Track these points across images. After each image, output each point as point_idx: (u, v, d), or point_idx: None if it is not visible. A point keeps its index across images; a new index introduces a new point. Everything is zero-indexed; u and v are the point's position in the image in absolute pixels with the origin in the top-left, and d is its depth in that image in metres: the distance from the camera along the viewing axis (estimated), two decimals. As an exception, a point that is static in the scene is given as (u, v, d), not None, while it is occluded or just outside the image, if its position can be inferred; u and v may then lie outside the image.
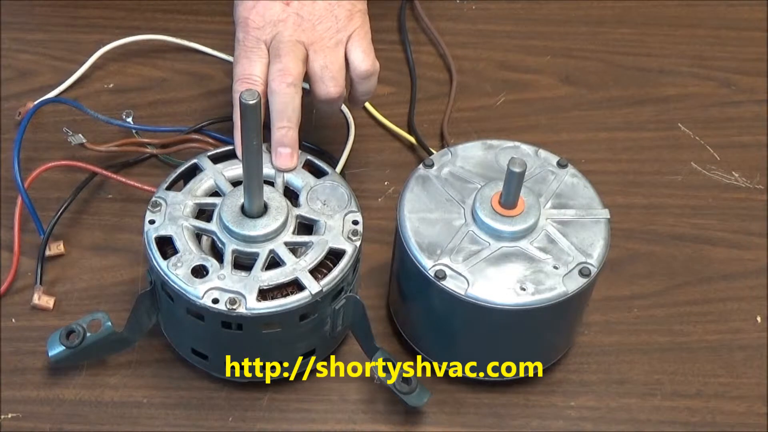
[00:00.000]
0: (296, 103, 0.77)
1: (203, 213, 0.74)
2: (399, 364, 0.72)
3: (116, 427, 0.74)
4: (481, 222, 0.72)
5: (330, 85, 0.79)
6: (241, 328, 0.70)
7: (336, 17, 0.80)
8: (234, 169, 0.76)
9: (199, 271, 0.70)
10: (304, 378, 0.77)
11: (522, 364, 0.76)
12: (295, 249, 0.72)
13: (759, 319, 0.82)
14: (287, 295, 0.70)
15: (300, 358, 0.75)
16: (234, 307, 0.69)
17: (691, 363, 0.80)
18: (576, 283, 0.71)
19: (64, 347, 0.72)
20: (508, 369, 0.76)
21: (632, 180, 0.91)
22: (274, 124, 0.77)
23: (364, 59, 0.80)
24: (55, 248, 0.82)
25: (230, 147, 0.78)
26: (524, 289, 0.70)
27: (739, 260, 0.86)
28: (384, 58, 0.98)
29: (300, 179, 0.76)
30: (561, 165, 0.76)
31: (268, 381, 0.75)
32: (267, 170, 0.74)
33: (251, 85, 0.77)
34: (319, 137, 0.91)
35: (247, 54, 0.79)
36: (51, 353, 0.73)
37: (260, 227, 0.71)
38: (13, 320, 0.79)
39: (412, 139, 0.91)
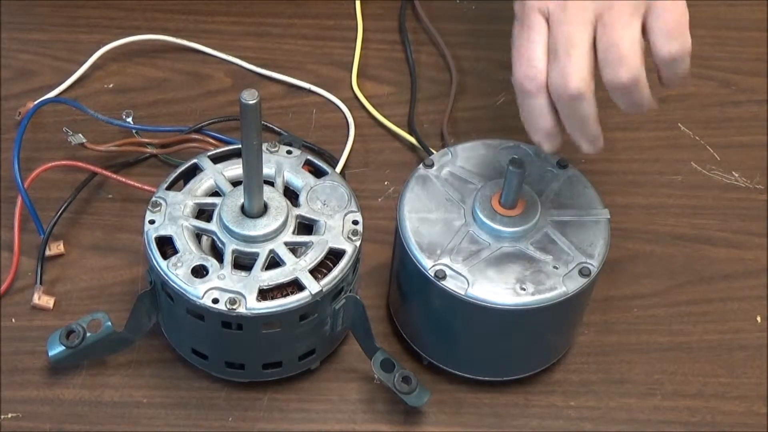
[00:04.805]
0: (587, 112, 0.64)
1: (203, 213, 0.74)
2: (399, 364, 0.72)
3: (116, 427, 0.74)
4: (481, 222, 0.72)
5: (616, 70, 0.63)
6: (241, 328, 0.70)
7: None
8: (234, 169, 0.76)
9: (199, 271, 0.70)
10: (304, 378, 0.77)
11: (522, 365, 0.76)
12: (295, 249, 0.72)
13: (759, 319, 0.82)
14: (287, 295, 0.70)
15: (300, 358, 0.75)
16: (234, 307, 0.69)
17: (691, 363, 0.80)
18: (576, 283, 0.71)
19: (64, 347, 0.72)
20: (508, 369, 0.77)
21: (632, 180, 0.91)
22: (575, 138, 0.67)
23: (666, 40, 0.63)
24: (55, 248, 0.82)
25: (230, 147, 0.78)
26: (524, 289, 0.70)
27: (739, 260, 0.86)
28: (384, 58, 0.99)
29: (300, 179, 0.76)
30: (561, 165, 0.76)
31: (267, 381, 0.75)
32: (267, 170, 0.74)
33: (533, 81, 0.64)
34: (319, 137, 0.91)
35: (524, 32, 0.65)
36: (51, 353, 0.73)
37: (260, 227, 0.71)
38: (13, 320, 0.79)
39: (412, 139, 0.91)
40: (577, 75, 0.63)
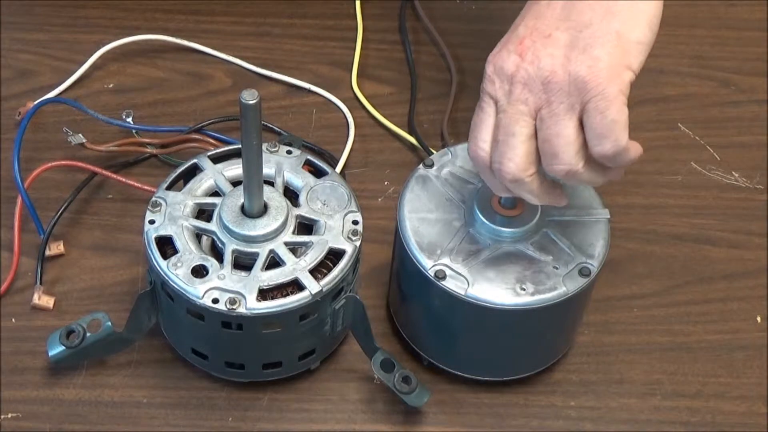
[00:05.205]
0: (530, 189, 0.66)
1: (203, 213, 0.74)
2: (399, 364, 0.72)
3: (116, 427, 0.74)
4: (481, 222, 0.72)
5: (550, 163, 0.65)
6: (241, 328, 0.70)
7: (570, 75, 0.64)
8: (234, 169, 0.76)
9: (199, 271, 0.70)
10: (304, 378, 0.77)
11: (522, 365, 0.76)
12: (295, 249, 0.72)
13: (759, 319, 0.82)
14: (287, 295, 0.70)
15: (300, 358, 0.75)
16: (234, 307, 0.69)
17: (691, 363, 0.80)
18: (576, 283, 0.71)
19: (64, 347, 0.72)
20: (508, 369, 0.77)
21: (632, 180, 0.91)
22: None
23: (597, 140, 0.63)
24: (55, 248, 0.82)
25: (230, 147, 0.78)
26: (524, 290, 0.70)
27: (739, 260, 0.86)
28: (384, 58, 0.99)
29: (300, 179, 0.76)
30: (561, 165, 0.76)
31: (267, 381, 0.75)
32: (267, 170, 0.74)
33: (480, 158, 0.67)
34: (319, 137, 0.91)
35: (479, 111, 0.68)
36: (51, 353, 0.73)
37: (260, 227, 0.71)
38: (13, 320, 0.79)
39: (412, 139, 0.91)
40: (512, 162, 0.65)
